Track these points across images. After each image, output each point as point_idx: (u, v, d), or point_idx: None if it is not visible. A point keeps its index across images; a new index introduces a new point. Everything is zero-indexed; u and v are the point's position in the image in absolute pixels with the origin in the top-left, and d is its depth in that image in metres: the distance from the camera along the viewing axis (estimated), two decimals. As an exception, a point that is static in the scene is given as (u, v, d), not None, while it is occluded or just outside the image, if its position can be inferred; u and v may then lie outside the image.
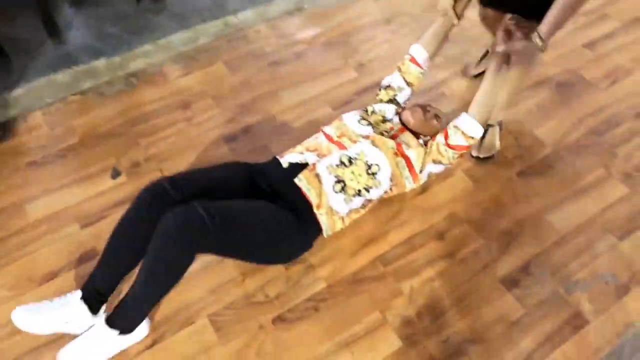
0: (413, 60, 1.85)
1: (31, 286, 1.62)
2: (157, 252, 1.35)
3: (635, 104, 2.14)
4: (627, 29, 2.48)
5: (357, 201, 1.64)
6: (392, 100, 1.86)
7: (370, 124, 1.74)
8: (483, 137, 1.96)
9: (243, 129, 2.06)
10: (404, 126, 1.79)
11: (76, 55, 2.32)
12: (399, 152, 1.67)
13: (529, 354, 1.50)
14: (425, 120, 1.79)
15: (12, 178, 1.90)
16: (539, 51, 1.50)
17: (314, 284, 1.65)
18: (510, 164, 1.95)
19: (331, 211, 1.60)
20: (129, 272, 1.50)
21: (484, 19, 1.96)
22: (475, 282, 1.65)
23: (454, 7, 1.76)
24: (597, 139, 2.03)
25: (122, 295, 1.44)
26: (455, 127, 1.63)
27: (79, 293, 1.48)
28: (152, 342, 1.51)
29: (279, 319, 1.57)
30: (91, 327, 1.45)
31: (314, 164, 1.61)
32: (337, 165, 1.60)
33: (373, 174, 1.63)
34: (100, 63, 2.29)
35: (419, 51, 1.85)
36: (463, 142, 1.63)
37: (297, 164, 1.63)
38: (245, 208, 1.48)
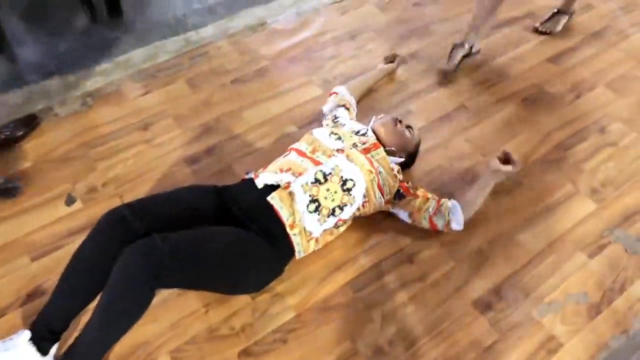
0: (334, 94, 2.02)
1: (-25, 327, 1.50)
2: (113, 291, 1.26)
3: (599, 118, 2.16)
4: (589, 42, 2.50)
5: (331, 221, 1.59)
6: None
7: (340, 137, 1.70)
8: None
9: (206, 150, 1.99)
10: (378, 141, 1.75)
11: (27, 74, 2.20)
12: (373, 169, 1.63)
13: (503, 380, 1.47)
14: (396, 130, 1.77)
15: (-45, 208, 1.78)
16: None
17: (282, 313, 1.58)
18: (479, 182, 1.92)
19: (304, 232, 1.55)
20: (85, 307, 1.39)
21: None
22: (448, 305, 1.60)
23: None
24: (564, 153, 2.02)
25: (76, 333, 1.34)
26: (447, 213, 1.68)
27: (27, 333, 1.36)
28: (109, 385, 1.42)
29: (245, 353, 1.49)
30: (40, 371, 1.35)
31: (288, 183, 1.55)
32: (312, 184, 1.55)
33: (348, 189, 1.58)
34: (54, 82, 2.18)
35: (343, 92, 2.02)
36: (441, 226, 1.70)
37: (272, 185, 1.57)
38: (211, 236, 1.41)
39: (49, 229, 1.74)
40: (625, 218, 1.83)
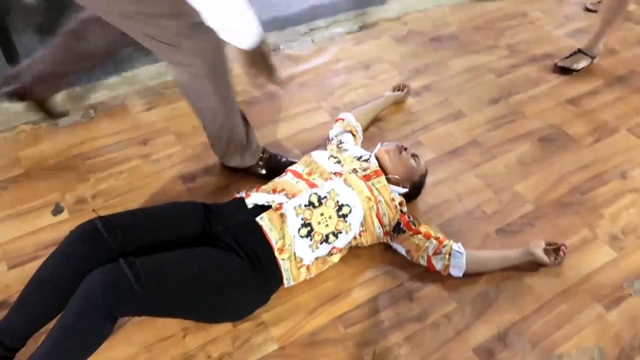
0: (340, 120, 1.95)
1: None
2: (68, 319, 1.16)
3: (621, 163, 2.03)
4: (611, 86, 2.41)
5: (324, 248, 1.48)
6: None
7: (339, 161, 1.61)
8: None
9: (204, 169, 1.91)
10: (381, 169, 1.65)
11: (34, 84, 2.18)
12: (372, 197, 1.53)
13: None
14: (400, 158, 1.67)
15: (-61, 209, 1.72)
16: None
17: (264, 344, 1.45)
18: (488, 220, 1.80)
19: (295, 258, 1.44)
20: (44, 325, 1.28)
21: None
22: (446, 350, 1.46)
23: None
24: (580, 197, 1.90)
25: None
26: (448, 256, 1.57)
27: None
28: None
29: (219, 386, 1.36)
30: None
31: (280, 204, 1.46)
32: (305, 206, 1.45)
33: (344, 215, 1.48)
34: (59, 93, 2.15)
35: (349, 118, 1.95)
36: (439, 268, 1.59)
37: (262, 205, 1.47)
38: (187, 260, 1.30)
39: (32, 237, 1.66)
40: (647, 269, 1.69)
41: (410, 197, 1.78)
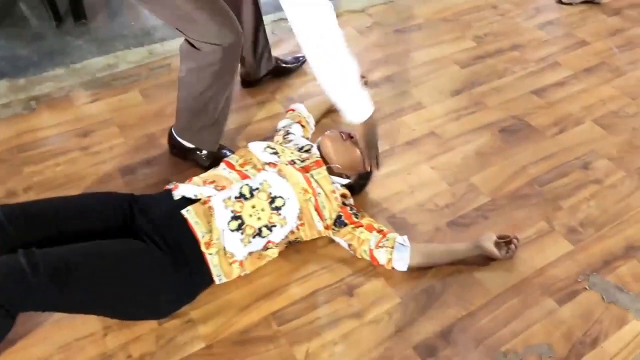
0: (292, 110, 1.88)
1: None
2: None
3: (584, 154, 1.95)
4: (578, 77, 2.33)
5: (258, 243, 1.39)
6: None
7: (276, 152, 1.52)
8: None
9: (145, 162, 1.83)
10: (322, 159, 1.57)
11: (-23, 75, 2.11)
12: (310, 189, 1.44)
13: None
14: (344, 146, 1.58)
15: None
16: None
17: (190, 343, 1.36)
18: (440, 213, 1.72)
19: (224, 253, 1.35)
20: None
21: None
22: (385, 348, 1.37)
23: None
24: (539, 189, 1.81)
25: None
26: (392, 249, 1.47)
27: None
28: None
29: (136, 387, 1.27)
30: None
31: (208, 197, 1.37)
32: (235, 198, 1.37)
33: (277, 208, 1.39)
34: (1, 84, 2.07)
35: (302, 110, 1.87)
36: (383, 261, 1.48)
37: (191, 198, 1.39)
38: (98, 251, 1.22)
39: (-45, 232, 1.57)
40: (605, 263, 1.59)
41: (358, 188, 1.70)
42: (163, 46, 2.33)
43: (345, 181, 1.58)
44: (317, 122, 1.94)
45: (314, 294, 1.48)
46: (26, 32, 2.35)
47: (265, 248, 1.43)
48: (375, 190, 1.77)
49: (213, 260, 1.35)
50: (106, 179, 1.76)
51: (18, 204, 1.26)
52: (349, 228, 1.51)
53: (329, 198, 1.48)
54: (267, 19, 2.41)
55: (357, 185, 1.68)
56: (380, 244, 1.47)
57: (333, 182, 1.53)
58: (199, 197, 1.38)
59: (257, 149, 1.53)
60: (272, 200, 1.40)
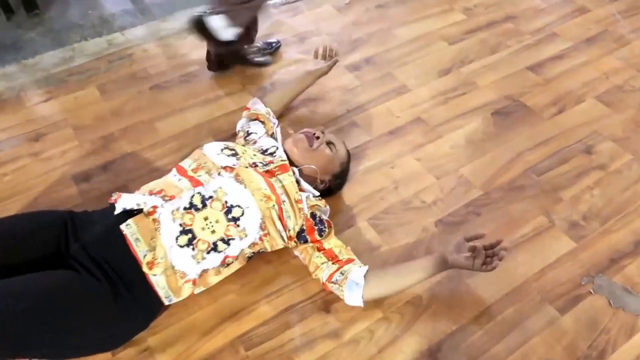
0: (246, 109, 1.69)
1: None
2: None
3: (587, 136, 1.77)
4: (579, 49, 2.13)
5: (214, 258, 1.23)
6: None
7: (235, 153, 1.35)
8: None
9: (101, 167, 1.66)
10: (290, 162, 1.40)
11: None
12: (274, 196, 1.27)
13: None
14: (310, 149, 1.41)
15: None
16: None
17: (147, 376, 1.21)
18: (427, 210, 1.55)
19: (173, 272, 1.19)
20: None
21: None
22: (365, 372, 1.22)
23: None
24: (537, 179, 1.64)
25: None
26: (342, 287, 1.27)
27: None
28: None
29: None
30: None
31: (153, 207, 1.20)
32: (185, 210, 1.20)
33: (234, 219, 1.23)
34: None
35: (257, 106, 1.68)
36: (337, 293, 1.30)
37: (132, 210, 1.22)
38: (20, 289, 1.05)
39: None
40: (612, 261, 1.43)
41: (335, 188, 1.53)
42: (124, 35, 2.14)
43: (315, 192, 1.40)
44: (283, 113, 1.76)
45: (285, 312, 1.33)
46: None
47: (225, 264, 1.27)
48: (354, 187, 1.60)
49: (159, 282, 1.18)
50: (57, 190, 1.59)
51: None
52: (308, 247, 1.34)
53: (294, 207, 1.31)
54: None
55: (335, 186, 1.51)
56: (333, 279, 1.28)
57: (304, 192, 1.36)
58: (141, 207, 1.21)
59: (213, 151, 1.36)
60: (229, 210, 1.23)
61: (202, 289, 1.27)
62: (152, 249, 1.17)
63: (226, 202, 1.23)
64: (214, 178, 1.26)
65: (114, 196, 1.26)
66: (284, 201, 1.28)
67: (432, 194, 1.59)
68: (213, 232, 1.21)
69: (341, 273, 1.27)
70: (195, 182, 1.26)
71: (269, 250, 1.34)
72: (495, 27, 2.24)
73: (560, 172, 1.65)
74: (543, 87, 1.96)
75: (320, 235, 1.33)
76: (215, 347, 1.26)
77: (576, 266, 1.42)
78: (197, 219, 1.20)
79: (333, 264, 1.30)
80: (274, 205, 1.27)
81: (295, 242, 1.34)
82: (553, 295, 1.36)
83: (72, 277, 1.10)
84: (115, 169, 1.65)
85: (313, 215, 1.34)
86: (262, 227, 1.27)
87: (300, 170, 1.39)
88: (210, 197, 1.23)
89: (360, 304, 1.28)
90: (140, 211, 1.21)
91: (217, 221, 1.22)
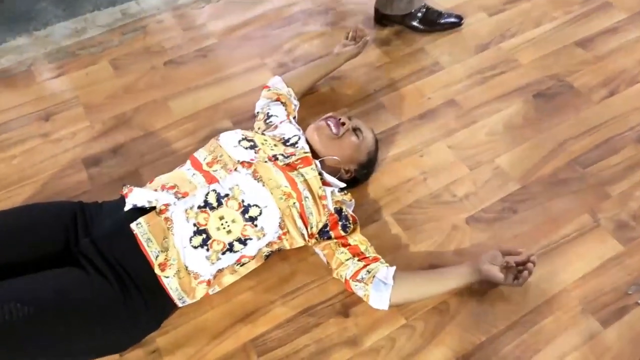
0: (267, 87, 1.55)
1: None
2: None
3: (639, 123, 1.59)
4: (635, 21, 1.91)
5: (228, 259, 1.15)
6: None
7: (254, 145, 1.24)
8: None
9: (112, 149, 1.58)
10: (313, 153, 1.29)
11: None
12: (295, 192, 1.17)
13: None
14: (336, 139, 1.30)
15: None
16: None
17: (155, 379, 1.16)
18: (458, 205, 1.42)
19: (186, 273, 1.12)
20: None
21: None
22: (385, 385, 1.14)
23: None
24: (582, 171, 1.49)
25: None
26: (369, 286, 1.18)
27: None
28: None
29: None
30: None
31: (166, 205, 1.12)
32: (199, 208, 1.11)
33: (252, 219, 1.14)
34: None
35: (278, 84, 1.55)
36: (361, 296, 1.21)
37: (143, 208, 1.14)
38: (26, 292, 0.99)
39: None
40: (664, 268, 1.29)
41: (362, 178, 1.42)
42: (139, 4, 2.02)
43: (343, 185, 1.29)
44: (305, 93, 1.63)
45: (302, 314, 1.24)
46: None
47: (240, 263, 1.18)
48: (379, 178, 1.48)
49: (171, 284, 1.11)
50: (69, 173, 1.52)
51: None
52: (331, 242, 1.24)
53: (317, 203, 1.20)
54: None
55: (361, 176, 1.39)
56: (358, 277, 1.19)
57: (330, 186, 1.25)
58: (153, 205, 1.13)
59: (230, 142, 1.25)
60: (245, 209, 1.14)
61: (218, 289, 1.20)
62: (165, 249, 1.09)
63: (243, 201, 1.13)
64: (230, 174, 1.16)
65: (125, 190, 1.18)
66: (306, 197, 1.18)
67: (464, 187, 1.46)
68: (229, 232, 1.12)
69: (368, 271, 1.18)
70: (211, 179, 1.16)
71: (288, 248, 1.24)
72: (540, -4, 2.03)
73: (608, 165, 1.50)
74: (593, 65, 1.77)
75: (345, 231, 1.23)
76: (226, 350, 1.19)
77: (622, 273, 1.29)
78: (212, 219, 1.11)
79: (359, 260, 1.21)
80: (294, 203, 1.17)
81: (316, 238, 1.24)
82: (595, 305, 1.24)
83: (81, 279, 1.04)
84: (126, 153, 1.57)
85: (338, 211, 1.24)
86: (281, 226, 1.18)
87: (322, 162, 1.28)
88: (226, 195, 1.13)
89: (385, 307, 1.19)
90: (152, 208, 1.13)
91: (233, 221, 1.12)
